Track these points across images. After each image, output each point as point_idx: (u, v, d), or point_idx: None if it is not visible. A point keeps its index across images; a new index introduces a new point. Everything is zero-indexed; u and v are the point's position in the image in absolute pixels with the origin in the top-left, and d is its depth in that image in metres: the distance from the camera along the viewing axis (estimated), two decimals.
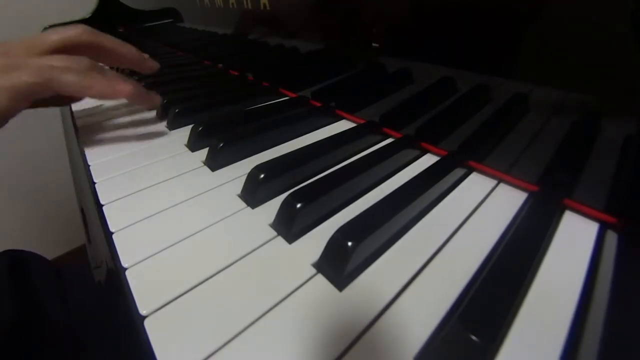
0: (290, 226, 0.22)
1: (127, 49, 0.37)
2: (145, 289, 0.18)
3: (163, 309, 0.17)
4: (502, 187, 0.26)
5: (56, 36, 0.31)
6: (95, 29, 0.35)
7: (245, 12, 0.48)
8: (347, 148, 0.31)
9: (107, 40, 0.35)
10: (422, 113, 0.31)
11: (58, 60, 0.30)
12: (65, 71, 0.29)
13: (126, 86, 0.32)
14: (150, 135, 0.37)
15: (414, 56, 0.30)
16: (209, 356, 0.15)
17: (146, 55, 0.41)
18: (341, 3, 0.34)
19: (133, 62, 0.39)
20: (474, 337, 0.14)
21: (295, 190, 0.23)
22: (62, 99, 0.41)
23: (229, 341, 0.16)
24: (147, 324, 0.16)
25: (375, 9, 0.30)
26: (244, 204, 0.25)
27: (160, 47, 0.83)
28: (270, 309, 0.17)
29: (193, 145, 0.33)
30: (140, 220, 0.24)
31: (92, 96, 0.31)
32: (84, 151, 0.34)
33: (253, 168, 0.26)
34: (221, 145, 0.30)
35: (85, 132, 0.39)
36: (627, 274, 0.17)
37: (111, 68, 0.56)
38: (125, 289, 0.19)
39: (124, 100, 0.49)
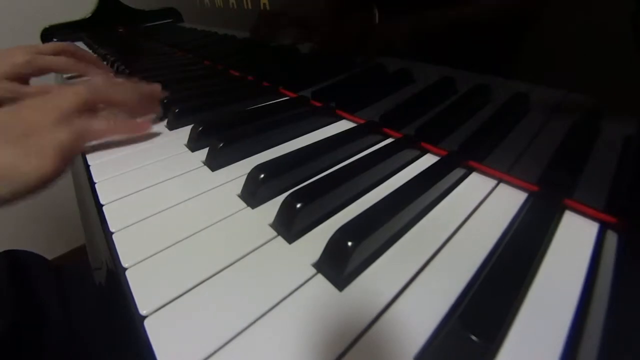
0: (290, 226, 0.22)
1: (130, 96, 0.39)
2: (145, 289, 0.18)
3: (163, 309, 0.17)
4: (502, 187, 0.26)
5: (73, 99, 0.32)
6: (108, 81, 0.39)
7: (245, 12, 0.48)
8: (347, 148, 0.31)
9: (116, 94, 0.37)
10: (422, 113, 0.31)
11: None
12: (92, 121, 0.32)
13: (147, 124, 0.37)
14: (150, 135, 0.37)
15: (414, 56, 0.30)
16: (209, 356, 0.15)
17: (157, 88, 0.43)
18: (341, 3, 0.34)
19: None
20: (474, 337, 0.14)
21: (295, 190, 0.23)
22: None
23: (228, 341, 0.16)
24: (147, 324, 0.16)
25: (374, 9, 0.30)
26: (244, 204, 0.25)
27: (161, 47, 0.83)
28: (271, 309, 0.17)
29: (193, 145, 0.33)
30: (140, 221, 0.24)
31: (120, 135, 0.35)
32: (84, 151, 0.34)
33: (253, 168, 0.26)
34: (221, 145, 0.30)
35: None
36: (627, 274, 0.17)
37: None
38: (125, 289, 0.19)
39: None
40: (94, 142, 0.35)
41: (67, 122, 0.30)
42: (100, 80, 0.37)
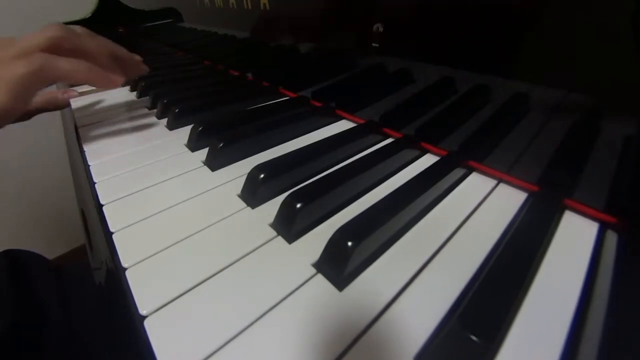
0: (290, 226, 0.22)
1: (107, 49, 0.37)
2: (145, 289, 0.18)
3: (163, 309, 0.17)
4: (502, 187, 0.26)
5: (42, 37, 0.30)
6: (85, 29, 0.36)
7: (245, 12, 0.48)
8: (347, 148, 0.31)
9: (88, 42, 0.35)
10: (422, 113, 0.31)
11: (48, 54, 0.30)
12: (57, 58, 0.29)
13: (119, 78, 0.34)
14: (150, 135, 0.37)
15: (414, 56, 0.30)
16: (209, 356, 0.15)
17: (137, 57, 0.41)
18: (341, 3, 0.34)
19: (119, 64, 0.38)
20: (473, 337, 0.14)
21: (295, 190, 0.23)
22: (55, 103, 0.47)
23: (228, 341, 0.16)
24: (147, 324, 0.16)
25: (375, 9, 0.30)
26: (244, 204, 0.25)
27: (161, 47, 0.83)
28: (271, 308, 0.17)
29: (193, 145, 0.33)
30: (140, 221, 0.24)
31: (85, 82, 0.32)
32: (84, 151, 0.34)
33: (253, 168, 0.26)
34: (221, 145, 0.30)
35: (85, 132, 0.39)
36: (627, 274, 0.17)
37: None
38: (125, 289, 0.19)
39: (124, 100, 0.49)
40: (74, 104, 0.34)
41: (27, 56, 0.28)
42: (78, 28, 0.35)
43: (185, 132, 0.36)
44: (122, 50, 0.39)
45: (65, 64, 0.30)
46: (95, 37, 0.35)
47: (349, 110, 0.38)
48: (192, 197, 0.26)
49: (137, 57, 0.42)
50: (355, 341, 0.16)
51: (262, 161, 0.27)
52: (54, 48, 0.30)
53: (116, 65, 0.37)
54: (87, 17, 1.03)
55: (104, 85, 0.33)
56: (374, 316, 0.17)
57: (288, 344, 0.15)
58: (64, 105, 0.50)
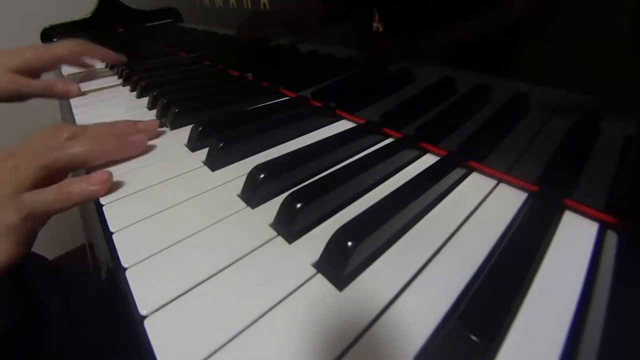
0: (290, 226, 0.22)
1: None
2: (145, 289, 0.18)
3: (163, 309, 0.17)
4: (502, 187, 0.26)
5: (31, 167, 0.26)
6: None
7: (245, 12, 0.48)
8: (347, 148, 0.31)
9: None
10: (422, 113, 0.31)
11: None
12: (44, 195, 0.25)
13: (140, 137, 0.32)
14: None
15: (414, 56, 0.30)
16: (209, 356, 0.15)
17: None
18: (341, 3, 0.34)
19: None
20: (473, 337, 0.14)
21: (295, 190, 0.23)
22: (53, 92, 0.50)
23: (228, 341, 0.16)
24: (147, 324, 0.16)
25: (374, 9, 0.30)
26: (244, 204, 0.25)
27: (161, 47, 0.83)
28: (271, 308, 0.17)
29: (193, 145, 0.33)
30: (140, 221, 0.24)
31: (108, 159, 0.30)
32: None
33: (253, 168, 0.26)
34: (221, 145, 0.30)
35: None
36: (627, 274, 0.17)
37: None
38: (125, 289, 0.19)
39: (124, 100, 0.49)
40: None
41: (14, 201, 0.24)
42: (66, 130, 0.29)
43: (185, 132, 0.36)
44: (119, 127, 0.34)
45: (52, 197, 0.25)
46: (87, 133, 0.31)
47: (349, 110, 0.38)
48: (192, 197, 0.26)
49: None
50: (355, 341, 0.16)
51: (262, 161, 0.27)
52: (46, 176, 0.26)
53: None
54: (87, 17, 1.03)
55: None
56: (374, 316, 0.17)
57: (288, 344, 0.15)
58: (61, 96, 0.51)
